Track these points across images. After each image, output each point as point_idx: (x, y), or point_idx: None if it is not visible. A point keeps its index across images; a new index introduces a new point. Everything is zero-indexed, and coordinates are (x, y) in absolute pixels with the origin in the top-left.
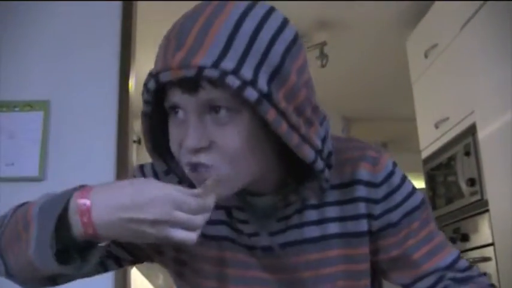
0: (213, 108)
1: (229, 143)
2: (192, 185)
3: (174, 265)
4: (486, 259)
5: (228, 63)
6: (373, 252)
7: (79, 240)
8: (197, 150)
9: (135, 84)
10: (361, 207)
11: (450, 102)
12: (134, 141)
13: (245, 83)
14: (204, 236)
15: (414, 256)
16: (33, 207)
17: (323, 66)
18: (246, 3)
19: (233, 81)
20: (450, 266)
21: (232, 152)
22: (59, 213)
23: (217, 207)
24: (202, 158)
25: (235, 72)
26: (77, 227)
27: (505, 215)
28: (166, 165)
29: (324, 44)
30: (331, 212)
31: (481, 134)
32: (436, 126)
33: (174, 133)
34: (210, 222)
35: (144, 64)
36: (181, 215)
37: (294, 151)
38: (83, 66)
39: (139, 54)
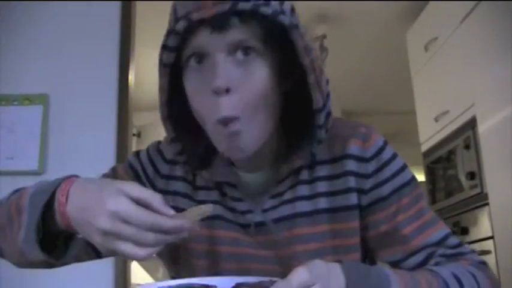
0: (242, 48)
1: (254, 86)
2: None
3: (168, 251)
4: (486, 252)
5: None
6: (363, 228)
7: (63, 229)
8: (227, 90)
9: (134, 77)
10: (351, 181)
11: (450, 95)
12: (134, 135)
13: (277, 12)
14: None
15: (404, 231)
16: (26, 194)
17: (322, 59)
18: None
19: (266, 10)
20: (440, 242)
21: (256, 96)
22: (45, 201)
23: (210, 188)
24: (230, 110)
25: (266, 4)
26: (58, 216)
27: (505, 208)
28: (174, 131)
29: (323, 37)
30: (322, 187)
31: (481, 127)
32: (436, 120)
33: (197, 85)
34: (202, 203)
35: (142, 58)
36: (127, 230)
37: (300, 96)
38: (82, 60)
39: (138, 48)
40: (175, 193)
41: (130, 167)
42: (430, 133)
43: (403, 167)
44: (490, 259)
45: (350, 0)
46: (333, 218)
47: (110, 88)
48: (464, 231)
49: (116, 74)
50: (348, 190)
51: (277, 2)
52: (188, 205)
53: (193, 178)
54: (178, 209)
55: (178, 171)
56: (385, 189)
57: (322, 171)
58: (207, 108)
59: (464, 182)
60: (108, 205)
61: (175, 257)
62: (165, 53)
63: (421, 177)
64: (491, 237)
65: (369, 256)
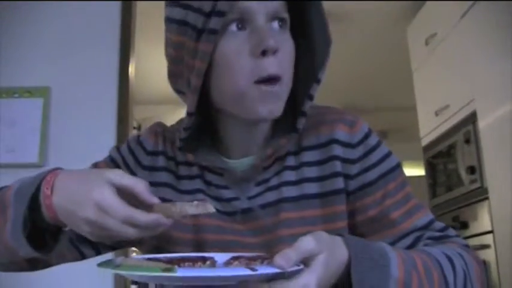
0: (278, 19)
1: (291, 53)
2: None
3: (149, 239)
4: (485, 246)
5: None
6: (351, 214)
7: (49, 223)
8: (275, 51)
9: (134, 71)
10: (337, 166)
11: (450, 90)
12: (134, 128)
13: None
14: None
15: (392, 215)
16: (11, 191)
17: None
18: None
19: None
20: (427, 226)
21: (292, 63)
22: (30, 195)
23: (193, 176)
24: (276, 69)
25: None
26: (44, 209)
27: (505, 202)
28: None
29: None
30: (309, 172)
31: (482, 122)
32: (436, 114)
33: (237, 48)
34: (186, 192)
35: (143, 52)
36: (109, 221)
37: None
38: (83, 53)
39: (138, 43)
40: (158, 184)
41: (112, 160)
42: (430, 127)
43: (389, 154)
44: (489, 253)
45: (350, 0)
46: (321, 202)
47: (110, 81)
48: (464, 225)
49: (117, 67)
50: (335, 174)
51: None
52: (172, 195)
53: (176, 168)
54: (164, 200)
55: (160, 161)
56: (372, 174)
57: (308, 156)
58: (247, 69)
59: (464, 176)
60: (94, 195)
61: (157, 245)
62: (214, 19)
63: (421, 171)
64: (491, 232)
65: None
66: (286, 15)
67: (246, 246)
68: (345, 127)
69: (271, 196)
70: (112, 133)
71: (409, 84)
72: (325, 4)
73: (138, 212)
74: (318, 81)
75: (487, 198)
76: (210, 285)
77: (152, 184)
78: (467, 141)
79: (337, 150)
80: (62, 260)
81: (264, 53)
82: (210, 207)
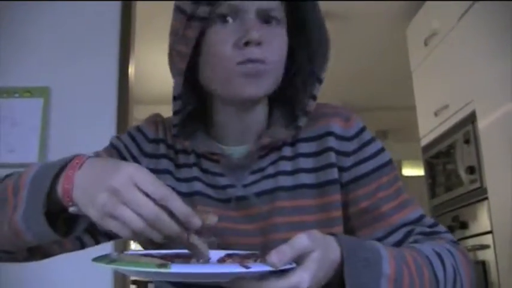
0: (268, 16)
1: (278, 48)
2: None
3: None
4: (485, 247)
5: None
6: (343, 206)
7: (66, 205)
8: (258, 43)
9: (134, 71)
10: (332, 157)
11: (450, 90)
12: None
13: None
14: (176, 193)
15: (383, 208)
16: (27, 174)
17: None
18: None
19: None
20: (418, 221)
21: (280, 57)
22: (53, 175)
23: (191, 164)
24: (258, 53)
25: None
26: (61, 182)
27: (504, 203)
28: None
29: None
30: (305, 163)
31: (481, 122)
32: (436, 114)
33: (223, 37)
34: (182, 180)
35: (143, 52)
36: (138, 196)
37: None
38: (83, 53)
39: (138, 43)
40: (160, 171)
41: (114, 147)
42: (429, 128)
43: (382, 149)
44: (489, 253)
45: (350, 0)
46: (316, 192)
47: (110, 81)
48: (464, 225)
49: (116, 67)
50: (330, 165)
51: None
52: (171, 182)
53: (175, 156)
54: None
55: (162, 149)
56: (367, 167)
57: (304, 148)
58: (229, 55)
59: (464, 176)
60: (131, 168)
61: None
62: (202, 7)
63: (420, 171)
64: (490, 232)
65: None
66: (278, 14)
67: (240, 233)
68: (340, 121)
69: (266, 184)
70: (112, 133)
71: (409, 84)
72: (324, 4)
73: (175, 195)
74: (320, 81)
75: (486, 198)
76: (204, 281)
77: (155, 171)
78: (467, 141)
79: (332, 142)
80: (61, 249)
81: (247, 44)
82: (215, 219)
